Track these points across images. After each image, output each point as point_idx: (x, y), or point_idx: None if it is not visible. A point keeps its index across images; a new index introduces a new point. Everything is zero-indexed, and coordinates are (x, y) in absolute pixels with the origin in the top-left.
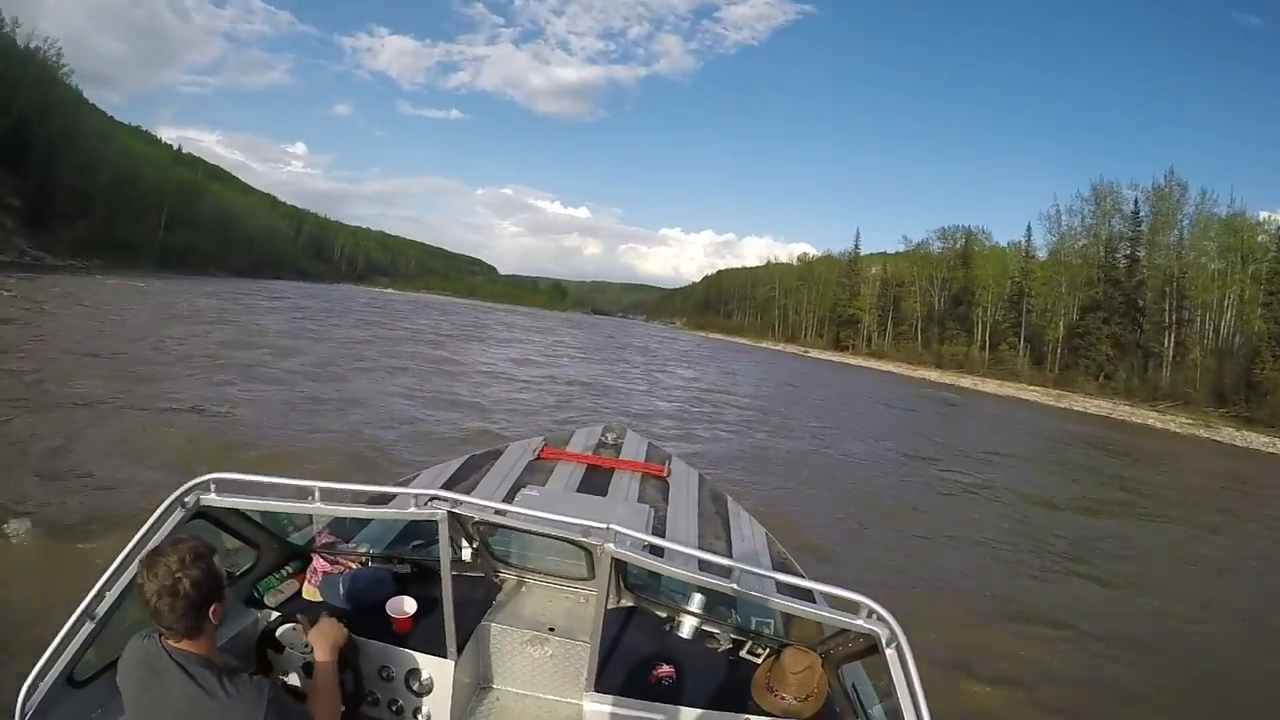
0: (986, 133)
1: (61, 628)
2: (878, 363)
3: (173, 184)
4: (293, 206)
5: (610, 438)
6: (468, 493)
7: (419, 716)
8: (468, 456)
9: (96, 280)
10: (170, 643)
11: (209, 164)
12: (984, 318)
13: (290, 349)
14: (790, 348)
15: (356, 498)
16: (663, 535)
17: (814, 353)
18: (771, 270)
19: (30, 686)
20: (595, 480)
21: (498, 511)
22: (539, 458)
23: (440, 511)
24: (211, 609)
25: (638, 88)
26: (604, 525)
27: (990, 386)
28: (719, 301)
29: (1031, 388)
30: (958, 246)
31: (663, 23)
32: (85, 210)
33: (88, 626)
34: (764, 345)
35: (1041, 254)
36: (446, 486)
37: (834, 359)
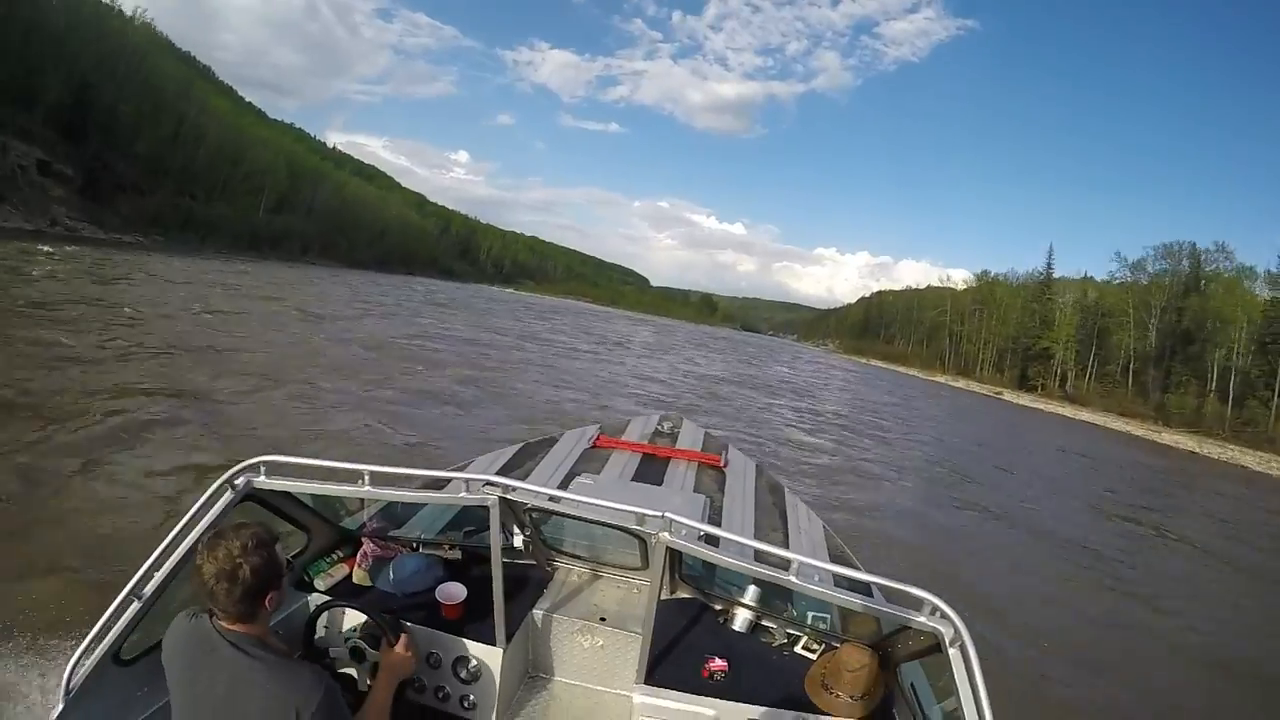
0: (1193, 142)
1: (109, 606)
2: (1089, 414)
3: (285, 169)
4: (441, 206)
5: (667, 426)
6: (521, 480)
7: (465, 704)
8: (522, 444)
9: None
10: (223, 624)
11: (358, 161)
12: (1224, 362)
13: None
14: (976, 386)
15: (408, 482)
16: (718, 525)
17: (1008, 395)
18: (941, 292)
19: (76, 663)
20: (651, 469)
21: (551, 498)
22: (594, 446)
23: (491, 497)
24: (268, 596)
25: (795, 105)
26: (659, 514)
27: None
28: (878, 324)
29: None
30: (1183, 268)
31: (821, 39)
32: (159, 184)
33: (135, 606)
34: (938, 379)
35: None
36: (501, 473)
37: (1043, 408)
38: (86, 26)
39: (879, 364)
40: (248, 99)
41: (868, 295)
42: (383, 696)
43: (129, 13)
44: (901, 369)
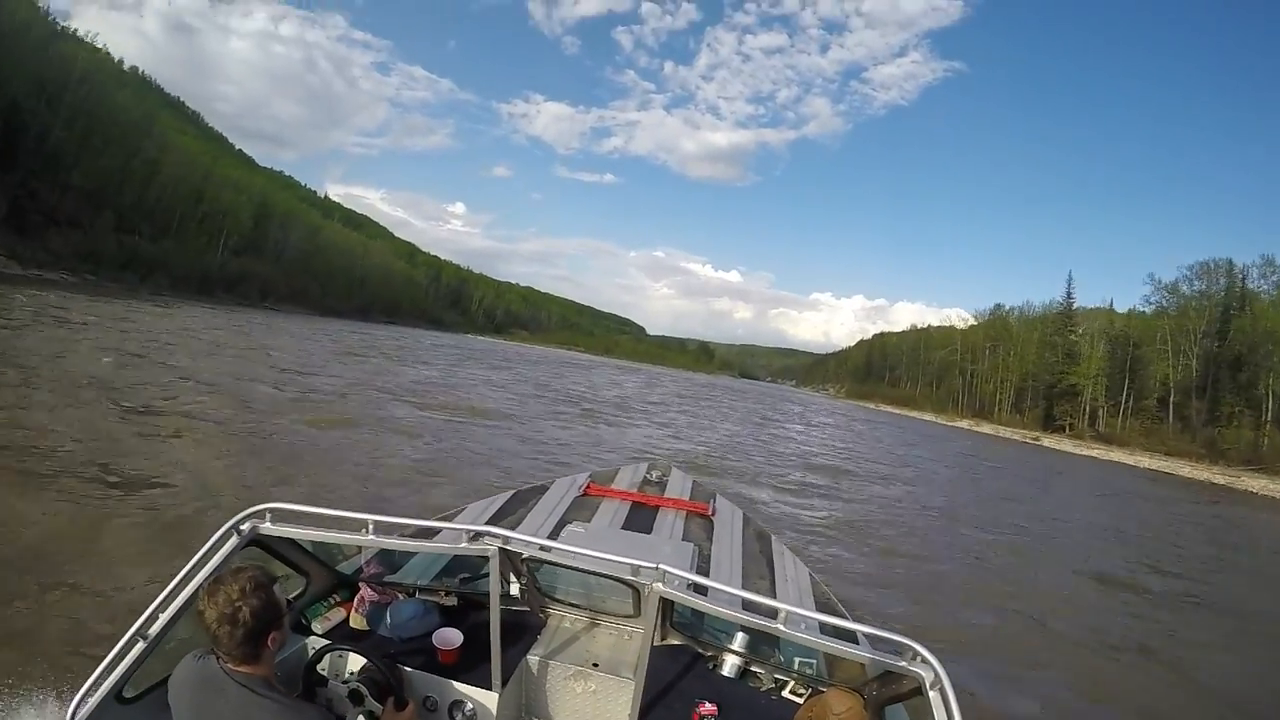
0: (1205, 152)
1: (114, 646)
2: (1149, 458)
3: (252, 209)
4: (432, 256)
5: (655, 475)
6: (513, 528)
7: None
8: (513, 492)
9: None
10: (229, 665)
11: (348, 210)
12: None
13: None
14: (1005, 431)
15: (408, 531)
16: (707, 574)
17: (1046, 440)
18: (949, 331)
19: (79, 702)
20: (640, 518)
21: (544, 548)
22: (584, 494)
23: (492, 547)
24: (270, 637)
25: (788, 151)
26: (653, 565)
27: None
28: (881, 367)
29: None
30: (1219, 287)
31: (811, 85)
32: (100, 218)
33: (140, 646)
34: (958, 424)
35: None
36: (493, 521)
37: (1098, 455)
38: (25, 49)
39: (890, 409)
40: (244, 149)
41: (867, 338)
42: None
43: (83, 38)
44: (915, 414)
